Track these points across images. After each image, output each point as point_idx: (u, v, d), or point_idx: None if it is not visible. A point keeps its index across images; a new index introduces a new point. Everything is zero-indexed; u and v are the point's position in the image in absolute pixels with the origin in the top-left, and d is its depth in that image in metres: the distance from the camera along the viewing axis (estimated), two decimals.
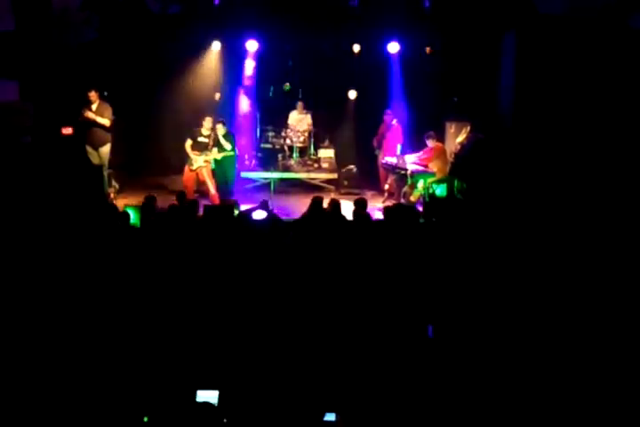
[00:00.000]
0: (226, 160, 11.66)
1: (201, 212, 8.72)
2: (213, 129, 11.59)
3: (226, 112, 12.82)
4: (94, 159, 11.22)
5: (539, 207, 8.75)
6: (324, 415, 4.25)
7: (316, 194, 9.35)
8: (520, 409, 4.44)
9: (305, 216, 8.27)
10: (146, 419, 4.29)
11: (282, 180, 12.81)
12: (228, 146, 11.60)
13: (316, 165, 13.33)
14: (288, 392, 4.46)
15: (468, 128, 11.35)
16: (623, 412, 4.37)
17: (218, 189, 11.58)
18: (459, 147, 11.27)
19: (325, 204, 8.87)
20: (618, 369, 4.78)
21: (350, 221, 8.38)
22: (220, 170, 11.67)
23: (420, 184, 11.27)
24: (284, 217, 9.05)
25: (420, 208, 9.76)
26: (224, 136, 11.59)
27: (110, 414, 4.42)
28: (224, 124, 11.67)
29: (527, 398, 4.50)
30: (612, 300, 5.84)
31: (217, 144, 11.58)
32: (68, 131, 10.10)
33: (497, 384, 4.63)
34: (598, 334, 5.20)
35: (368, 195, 12.01)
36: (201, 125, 11.58)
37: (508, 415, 4.42)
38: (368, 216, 8.59)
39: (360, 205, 8.61)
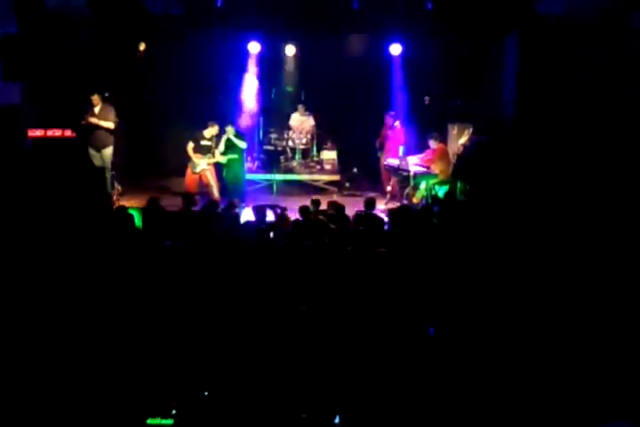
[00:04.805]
0: (234, 162, 11.67)
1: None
2: (219, 135, 11.57)
3: (227, 114, 12.81)
4: (97, 161, 11.23)
5: (541, 209, 8.74)
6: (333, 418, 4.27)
7: (317, 196, 9.44)
8: (520, 409, 4.44)
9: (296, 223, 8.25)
10: (149, 421, 4.30)
11: (284, 181, 12.81)
12: (243, 144, 11.62)
13: (318, 167, 13.34)
14: (293, 395, 4.47)
15: (471, 130, 11.34)
16: (620, 410, 4.36)
17: (226, 191, 11.59)
18: (461, 148, 11.28)
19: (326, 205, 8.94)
20: (617, 367, 4.78)
21: (352, 222, 8.39)
22: (231, 173, 11.68)
23: (423, 186, 11.26)
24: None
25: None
26: (236, 136, 11.59)
27: (112, 416, 4.43)
28: (232, 124, 11.68)
29: (527, 398, 4.50)
30: (612, 300, 5.83)
31: (230, 146, 11.56)
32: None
33: (498, 385, 4.63)
34: (598, 334, 5.20)
35: (369, 196, 12.01)
36: (204, 128, 11.57)
37: (508, 415, 4.42)
38: (375, 217, 8.61)
39: (368, 206, 8.67)
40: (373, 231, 7.68)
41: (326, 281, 6.30)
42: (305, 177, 13.02)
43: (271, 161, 13.16)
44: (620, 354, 4.93)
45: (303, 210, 8.38)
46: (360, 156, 13.36)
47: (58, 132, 10.04)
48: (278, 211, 8.74)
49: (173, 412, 4.35)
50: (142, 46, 12.26)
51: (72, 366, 4.85)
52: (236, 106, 13.29)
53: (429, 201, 10.66)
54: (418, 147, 12.29)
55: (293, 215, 8.86)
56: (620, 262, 6.70)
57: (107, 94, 11.34)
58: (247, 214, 9.68)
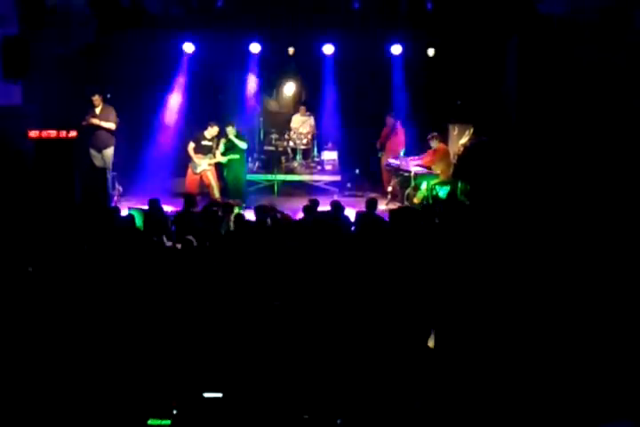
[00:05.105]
0: (234, 163, 11.67)
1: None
2: (219, 135, 11.58)
3: (228, 115, 12.83)
4: (98, 162, 11.24)
5: (542, 209, 8.73)
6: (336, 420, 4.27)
7: (318, 196, 9.46)
8: (520, 409, 4.44)
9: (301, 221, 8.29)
10: (149, 422, 4.30)
11: (285, 182, 12.82)
12: (243, 144, 11.61)
13: (319, 168, 13.34)
14: (295, 396, 4.47)
15: (471, 130, 11.34)
16: (620, 410, 4.36)
17: (226, 191, 11.60)
18: (462, 149, 11.27)
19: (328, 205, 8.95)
20: (617, 367, 4.78)
21: (354, 222, 8.40)
22: (231, 173, 11.69)
23: (424, 186, 11.26)
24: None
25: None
26: (236, 137, 11.60)
27: (113, 416, 4.43)
28: (233, 125, 11.68)
29: (527, 398, 4.50)
30: (612, 301, 5.83)
31: (230, 147, 11.56)
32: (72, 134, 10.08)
33: (498, 385, 4.63)
34: (600, 341, 5.19)
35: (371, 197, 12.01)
36: (205, 129, 11.57)
37: (509, 415, 4.42)
38: (377, 217, 8.62)
39: (370, 206, 8.68)
40: (375, 232, 7.70)
41: (328, 282, 6.30)
42: (306, 177, 13.04)
43: (272, 161, 13.17)
44: (619, 354, 4.93)
45: (307, 207, 8.43)
46: (361, 156, 13.37)
47: (59, 133, 10.04)
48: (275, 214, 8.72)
49: (174, 412, 4.35)
50: None
51: (72, 366, 4.85)
52: (237, 106, 13.30)
53: (430, 201, 10.67)
54: (418, 147, 12.28)
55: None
56: (620, 262, 6.69)
57: (108, 96, 11.34)
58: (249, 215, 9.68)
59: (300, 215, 9.10)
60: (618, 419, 4.05)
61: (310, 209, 8.48)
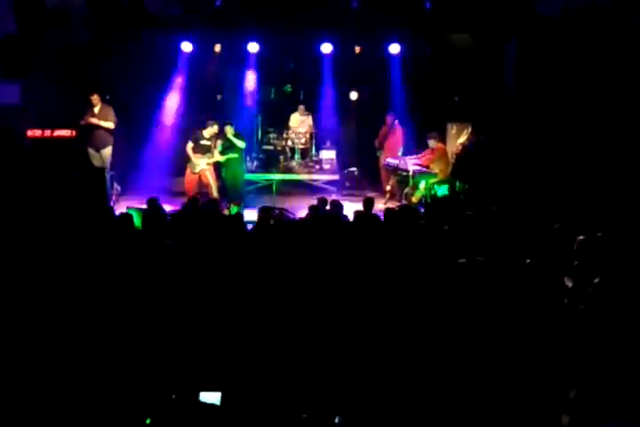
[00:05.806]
0: (232, 162, 11.66)
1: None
2: (218, 134, 11.57)
3: (227, 114, 12.83)
4: (96, 161, 11.22)
5: (540, 208, 8.74)
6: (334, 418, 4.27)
7: (318, 196, 9.44)
8: (520, 409, 4.45)
9: (304, 220, 8.29)
10: (148, 421, 4.30)
11: (283, 181, 12.82)
12: (242, 144, 11.60)
13: (317, 167, 13.35)
14: (292, 395, 4.47)
15: (470, 129, 11.35)
16: (620, 410, 4.37)
17: (225, 191, 11.60)
18: (460, 148, 11.28)
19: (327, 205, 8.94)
20: (617, 368, 4.79)
21: (352, 222, 8.39)
22: (230, 173, 11.68)
23: (422, 185, 11.27)
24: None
25: (422, 209, 9.77)
26: (235, 136, 11.59)
27: (112, 416, 4.43)
28: (231, 124, 11.68)
29: (527, 398, 4.51)
30: (611, 300, 5.83)
31: (228, 146, 11.56)
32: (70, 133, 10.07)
33: (498, 385, 4.64)
34: (600, 341, 5.20)
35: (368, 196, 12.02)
36: (204, 128, 11.56)
37: (509, 415, 4.43)
38: (374, 216, 8.62)
39: (367, 205, 8.68)
40: (372, 231, 7.70)
41: (325, 281, 6.31)
42: (304, 177, 13.04)
43: (270, 161, 13.17)
44: (620, 354, 4.94)
45: (315, 207, 8.47)
46: (359, 155, 13.38)
47: (57, 133, 10.04)
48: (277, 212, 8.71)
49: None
50: None
51: (71, 365, 4.85)
52: (235, 105, 13.30)
53: (428, 200, 10.67)
54: (417, 146, 12.30)
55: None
56: (619, 262, 6.70)
57: (107, 97, 11.33)
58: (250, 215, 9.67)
59: (303, 214, 9.10)
60: (618, 419, 4.06)
61: (318, 209, 8.48)
